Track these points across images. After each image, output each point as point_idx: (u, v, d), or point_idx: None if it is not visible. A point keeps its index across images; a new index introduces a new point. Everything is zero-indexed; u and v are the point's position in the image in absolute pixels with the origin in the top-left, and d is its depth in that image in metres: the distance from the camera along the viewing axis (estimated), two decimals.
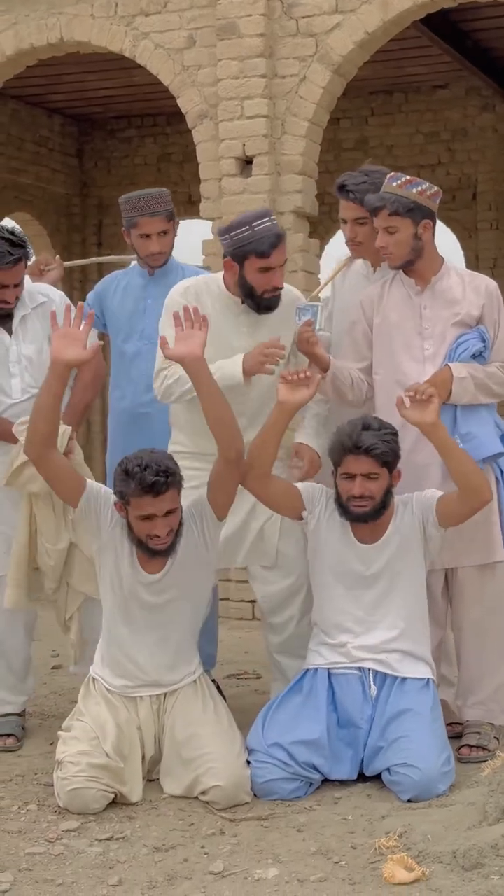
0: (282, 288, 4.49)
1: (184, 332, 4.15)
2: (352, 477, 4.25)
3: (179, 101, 7.61)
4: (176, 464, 4.17)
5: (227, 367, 4.37)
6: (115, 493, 4.21)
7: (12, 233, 4.57)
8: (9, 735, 4.78)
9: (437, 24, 9.54)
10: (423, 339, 4.57)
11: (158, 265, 5.16)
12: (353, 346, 4.71)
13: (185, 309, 4.18)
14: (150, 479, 4.04)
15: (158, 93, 8.85)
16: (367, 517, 4.29)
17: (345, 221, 4.87)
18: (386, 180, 4.55)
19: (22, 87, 11.53)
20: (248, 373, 4.39)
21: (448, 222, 12.48)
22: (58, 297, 4.81)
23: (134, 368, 5.20)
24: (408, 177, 4.53)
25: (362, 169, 4.89)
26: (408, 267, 4.57)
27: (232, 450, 4.20)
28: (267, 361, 4.33)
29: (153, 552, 4.19)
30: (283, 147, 7.33)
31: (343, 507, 4.30)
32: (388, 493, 4.30)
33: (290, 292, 4.68)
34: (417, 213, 4.48)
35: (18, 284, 4.63)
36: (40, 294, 4.77)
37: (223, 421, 4.18)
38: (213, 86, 7.44)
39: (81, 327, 4.16)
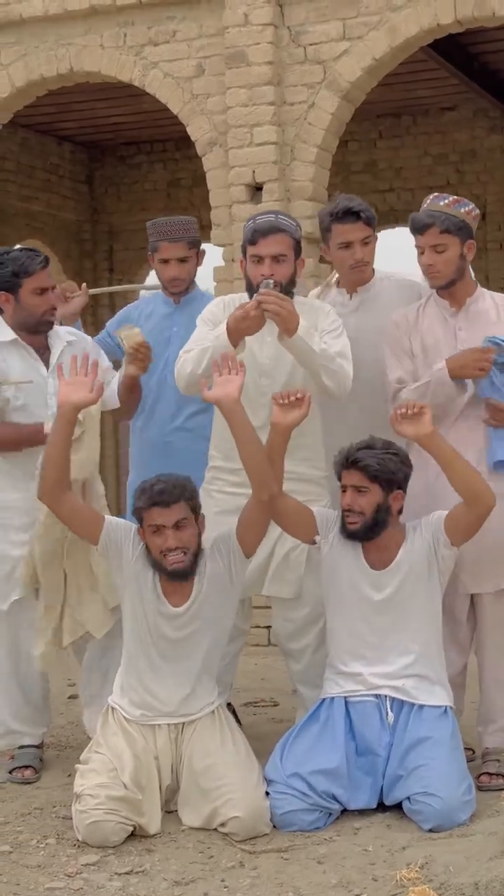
0: (274, 280, 4.43)
1: (222, 378, 4.23)
2: (345, 490, 4.31)
3: (189, 130, 7.64)
4: (192, 483, 4.26)
5: (219, 332, 4.43)
6: (134, 517, 4.26)
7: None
8: (27, 767, 4.76)
9: (444, 47, 9.56)
10: None
11: (177, 291, 5.17)
12: (398, 360, 4.66)
13: (223, 356, 4.27)
14: (159, 489, 4.17)
15: (167, 119, 8.90)
16: (358, 534, 4.30)
17: (347, 246, 4.86)
18: (430, 199, 4.55)
19: (32, 116, 11.57)
20: (232, 333, 4.39)
21: None
22: (90, 340, 4.89)
23: (158, 398, 5.19)
24: (454, 197, 4.54)
25: (341, 196, 4.96)
26: (449, 287, 4.56)
27: (265, 492, 4.25)
28: (253, 326, 4.36)
29: (170, 574, 4.21)
30: (293, 173, 7.36)
31: (342, 522, 4.35)
32: (379, 512, 4.29)
33: (311, 302, 4.69)
34: (465, 232, 4.49)
35: (54, 288, 4.72)
36: (68, 333, 4.83)
37: (257, 463, 4.23)
38: (222, 114, 7.47)
39: (87, 375, 4.27)
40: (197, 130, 7.60)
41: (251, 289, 4.50)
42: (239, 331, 4.37)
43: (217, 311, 4.62)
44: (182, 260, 5.10)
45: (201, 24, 7.54)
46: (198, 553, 4.26)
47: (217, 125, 7.50)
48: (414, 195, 11.58)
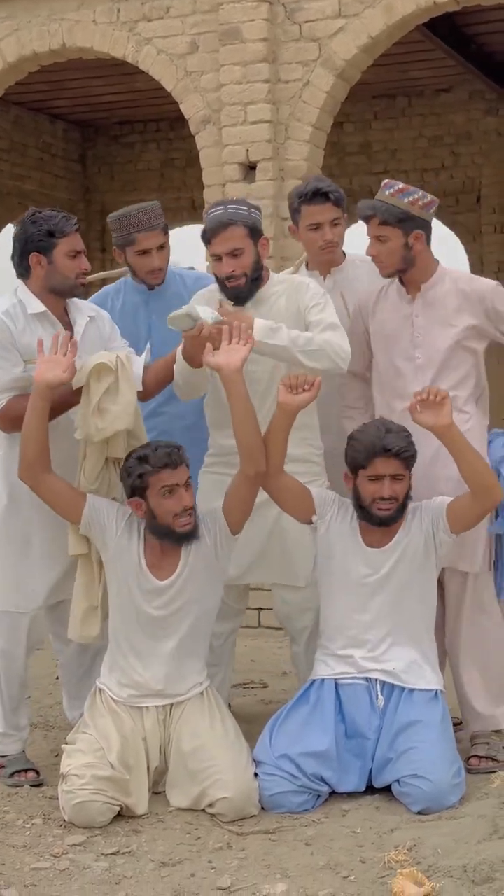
0: (233, 277, 4.39)
1: (228, 346, 4.18)
2: (379, 479, 4.23)
3: (182, 107, 7.59)
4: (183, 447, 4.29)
5: (178, 356, 4.40)
6: (129, 491, 4.23)
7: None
8: (27, 770, 4.54)
9: (440, 27, 9.52)
10: (415, 348, 4.54)
11: (158, 282, 4.98)
12: (358, 356, 4.66)
13: (234, 327, 4.20)
14: (164, 451, 4.17)
15: (161, 98, 8.84)
16: (391, 520, 4.27)
17: (317, 227, 4.83)
18: (381, 187, 4.52)
19: (24, 94, 11.52)
20: (188, 358, 4.35)
21: (452, 226, 12.46)
22: (107, 316, 4.69)
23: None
24: (401, 185, 4.49)
25: (317, 176, 5.04)
26: (400, 275, 4.54)
27: (252, 468, 4.23)
28: (196, 345, 4.27)
29: (179, 537, 4.19)
30: (287, 152, 7.31)
31: (365, 510, 4.27)
32: (407, 496, 4.29)
33: (293, 280, 4.62)
34: (409, 223, 4.44)
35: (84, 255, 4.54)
36: (89, 308, 4.66)
37: (249, 438, 4.21)
38: (215, 91, 7.41)
39: (66, 354, 4.20)
40: (190, 108, 7.55)
41: (221, 282, 4.47)
42: (196, 349, 4.29)
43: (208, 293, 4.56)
44: (161, 247, 4.95)
45: (195, 0, 7.48)
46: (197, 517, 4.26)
47: (211, 103, 7.45)
48: (408, 177, 11.53)
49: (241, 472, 4.26)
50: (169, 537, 4.24)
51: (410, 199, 4.45)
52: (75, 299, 4.58)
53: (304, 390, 4.18)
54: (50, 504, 4.31)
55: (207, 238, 4.44)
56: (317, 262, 4.96)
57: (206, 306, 4.34)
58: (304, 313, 4.46)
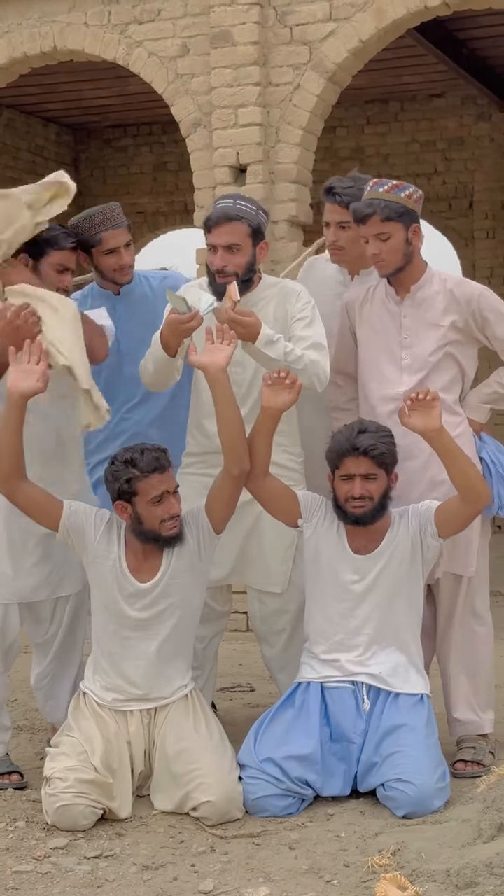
0: (224, 272, 4.35)
1: (212, 346, 4.16)
2: (350, 478, 4.23)
3: (173, 110, 7.56)
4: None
5: (154, 341, 4.37)
6: (115, 495, 4.18)
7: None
8: (10, 773, 4.51)
9: (432, 32, 9.50)
10: (402, 349, 4.51)
11: (128, 280, 4.92)
12: (345, 355, 4.67)
13: (217, 328, 4.17)
14: (152, 456, 4.12)
15: (153, 101, 8.82)
16: (365, 518, 4.25)
17: (328, 225, 4.82)
18: (370, 187, 4.47)
19: (17, 96, 11.50)
20: (165, 344, 4.32)
21: (445, 231, 12.44)
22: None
23: (113, 400, 4.86)
24: (394, 181, 4.47)
25: (352, 175, 4.85)
26: (397, 274, 4.50)
27: (237, 467, 4.20)
28: (177, 332, 4.25)
29: (166, 540, 4.17)
30: (278, 155, 7.28)
31: (341, 509, 4.26)
32: (385, 496, 4.26)
33: (284, 286, 4.58)
34: (407, 217, 4.41)
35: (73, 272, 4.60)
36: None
37: (234, 437, 4.19)
38: (206, 94, 7.38)
39: (38, 363, 4.16)
40: (181, 111, 7.52)
41: (211, 275, 4.42)
42: (176, 336, 4.27)
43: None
44: (127, 245, 4.89)
45: (186, 3, 7.44)
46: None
47: (201, 105, 7.42)
48: (391, 180, 11.48)
49: (224, 471, 4.24)
50: (155, 542, 4.22)
51: (406, 193, 4.43)
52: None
53: (284, 385, 4.16)
54: (27, 512, 4.27)
55: (209, 226, 4.39)
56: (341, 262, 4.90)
57: (206, 293, 4.30)
58: (291, 322, 4.43)
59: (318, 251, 5.33)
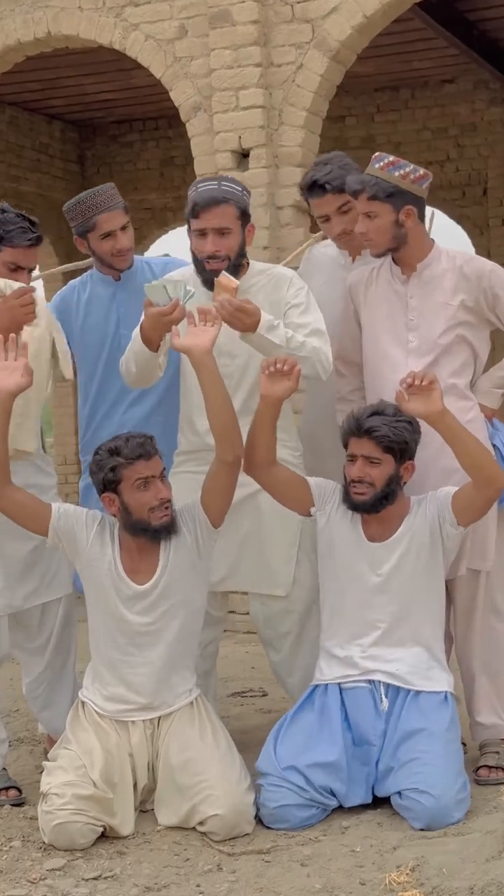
0: (216, 257, 4.17)
1: (196, 328, 3.97)
2: (354, 459, 4.05)
3: (172, 94, 7.40)
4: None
5: (134, 336, 4.19)
6: (100, 487, 4.00)
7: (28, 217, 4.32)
8: (8, 788, 4.29)
9: (442, 14, 9.27)
10: (409, 331, 4.28)
11: (127, 265, 4.72)
12: (349, 340, 4.44)
13: (200, 310, 3.98)
14: (137, 442, 3.95)
15: (158, 94, 8.63)
16: (366, 506, 4.04)
17: (326, 218, 4.58)
18: (371, 160, 4.25)
19: (20, 93, 11.34)
20: (147, 339, 4.12)
21: (459, 219, 12.23)
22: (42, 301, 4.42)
23: (112, 387, 4.74)
24: (392, 158, 4.22)
25: (318, 160, 4.66)
26: (393, 253, 4.28)
27: (230, 453, 4.00)
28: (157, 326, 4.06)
29: (157, 530, 3.96)
30: (281, 138, 7.10)
31: (346, 493, 4.08)
32: (391, 483, 4.04)
33: (275, 271, 4.38)
34: (398, 198, 4.18)
35: (32, 271, 4.33)
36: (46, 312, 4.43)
37: (224, 421, 3.99)
38: (206, 77, 7.21)
39: (17, 359, 3.96)
40: (180, 95, 7.35)
41: (197, 262, 4.21)
42: (158, 330, 4.07)
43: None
44: (124, 228, 4.69)
45: None
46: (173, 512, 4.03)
47: (201, 89, 7.24)
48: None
49: (217, 459, 4.02)
50: (146, 533, 3.99)
51: (401, 172, 4.19)
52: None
53: (283, 373, 3.95)
54: (14, 517, 4.07)
55: (196, 212, 4.17)
56: (348, 246, 4.68)
57: (184, 281, 4.10)
58: (284, 310, 4.23)
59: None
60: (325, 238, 4.83)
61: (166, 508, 3.97)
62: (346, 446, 4.10)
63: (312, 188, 4.56)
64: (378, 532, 4.11)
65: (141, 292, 4.30)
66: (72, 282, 4.93)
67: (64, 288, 4.91)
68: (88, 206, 4.64)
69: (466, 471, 4.02)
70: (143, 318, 4.13)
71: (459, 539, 4.12)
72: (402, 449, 4.03)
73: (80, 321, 4.73)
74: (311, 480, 4.19)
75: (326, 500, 4.16)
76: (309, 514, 4.19)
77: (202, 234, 4.18)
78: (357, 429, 4.03)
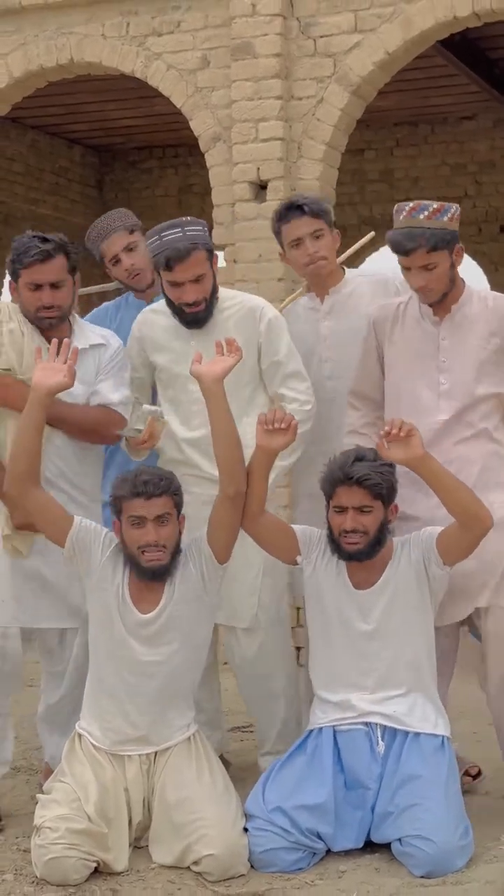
0: (196, 303, 4.30)
1: (218, 357, 4.04)
2: (343, 510, 3.97)
3: (192, 124, 7.41)
4: (177, 479, 4.04)
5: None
6: (113, 511, 4.03)
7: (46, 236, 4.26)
8: None
9: (463, 52, 9.30)
10: (440, 373, 4.21)
11: (144, 284, 4.75)
12: (367, 376, 4.38)
13: (228, 340, 4.06)
14: (143, 480, 3.96)
15: (179, 122, 8.65)
16: (360, 555, 3.99)
17: (297, 244, 4.56)
18: (405, 213, 4.13)
19: (41, 117, 11.39)
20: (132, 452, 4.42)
21: (475, 256, 12.22)
22: (116, 344, 4.41)
23: None
24: (434, 205, 4.14)
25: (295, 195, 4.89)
26: (443, 300, 4.20)
27: (232, 486, 4.00)
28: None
29: (146, 571, 3.94)
30: (300, 171, 7.10)
31: (335, 543, 4.01)
32: (382, 529, 4.00)
33: (245, 302, 4.47)
34: (453, 242, 4.14)
35: (60, 287, 4.18)
36: (99, 336, 4.38)
37: (230, 454, 4.01)
38: (226, 108, 7.22)
39: (66, 362, 4.02)
40: (200, 125, 7.36)
41: (177, 310, 4.32)
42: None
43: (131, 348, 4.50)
44: (129, 249, 4.72)
45: (207, 14, 7.28)
46: (176, 554, 4.00)
47: (221, 120, 7.25)
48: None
49: (221, 493, 4.03)
50: (136, 569, 3.99)
51: (448, 216, 4.13)
52: (85, 322, 4.41)
53: (280, 430, 3.97)
54: (37, 520, 4.09)
55: (169, 265, 4.23)
56: (312, 282, 4.70)
57: (147, 406, 4.33)
58: (259, 341, 4.37)
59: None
60: (309, 290, 4.81)
61: (159, 551, 3.94)
62: (329, 496, 4.02)
63: (289, 210, 4.58)
64: (363, 578, 4.06)
65: None
66: (106, 304, 4.99)
67: (97, 310, 4.95)
68: (92, 238, 4.77)
69: (452, 513, 3.97)
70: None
71: (446, 579, 4.06)
72: (389, 493, 4.00)
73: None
74: (297, 528, 4.16)
75: (312, 549, 4.12)
76: (295, 563, 4.14)
77: (177, 284, 4.27)
78: (346, 478, 3.95)
